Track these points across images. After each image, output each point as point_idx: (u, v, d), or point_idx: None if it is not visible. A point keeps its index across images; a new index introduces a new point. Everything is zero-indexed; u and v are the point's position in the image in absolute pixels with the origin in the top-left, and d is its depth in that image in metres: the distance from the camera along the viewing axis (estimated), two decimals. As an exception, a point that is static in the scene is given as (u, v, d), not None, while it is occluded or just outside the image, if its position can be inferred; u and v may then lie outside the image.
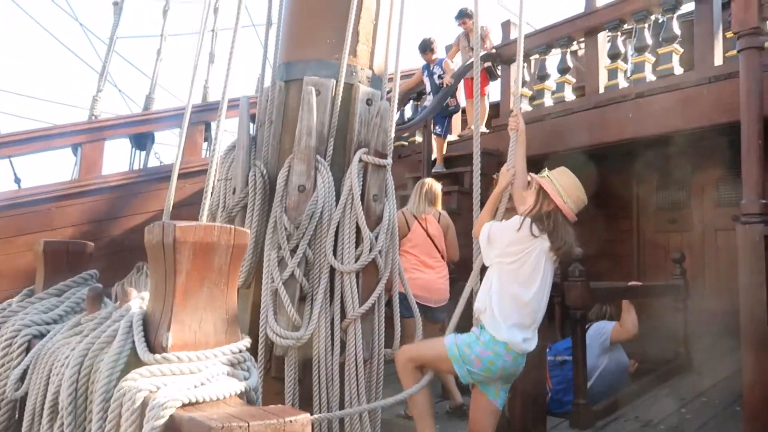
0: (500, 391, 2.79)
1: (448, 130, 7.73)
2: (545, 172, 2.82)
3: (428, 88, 7.85)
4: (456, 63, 7.98)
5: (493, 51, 7.61)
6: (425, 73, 7.87)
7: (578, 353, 4.25)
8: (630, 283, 5.45)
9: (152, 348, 1.64)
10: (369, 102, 3.05)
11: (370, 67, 3.16)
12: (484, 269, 2.88)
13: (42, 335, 2.71)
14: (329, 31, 3.04)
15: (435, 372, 3.00)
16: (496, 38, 7.94)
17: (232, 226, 1.77)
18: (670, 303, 5.54)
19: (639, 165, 7.34)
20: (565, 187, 2.74)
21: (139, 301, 2.09)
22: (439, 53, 7.92)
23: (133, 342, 1.71)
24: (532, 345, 2.72)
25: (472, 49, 7.77)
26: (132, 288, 2.26)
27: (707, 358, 5.55)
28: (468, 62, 7.42)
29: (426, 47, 7.74)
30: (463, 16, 7.88)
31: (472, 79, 7.59)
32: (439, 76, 7.66)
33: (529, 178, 2.87)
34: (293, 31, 3.19)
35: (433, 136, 7.60)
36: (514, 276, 2.68)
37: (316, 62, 3.01)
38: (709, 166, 6.87)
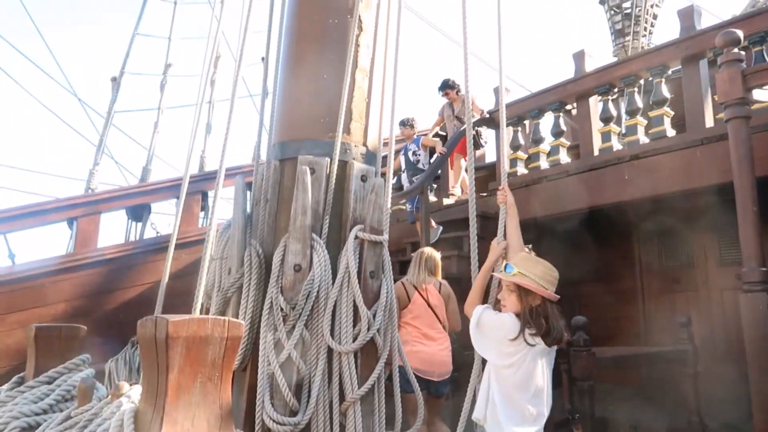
0: None
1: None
2: (513, 269, 2.67)
3: (403, 166, 7.98)
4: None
5: (486, 115, 7.74)
6: (402, 151, 8.04)
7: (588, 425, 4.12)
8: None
9: None
10: (364, 178, 3.06)
11: (364, 144, 3.19)
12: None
13: (31, 427, 2.63)
14: (323, 109, 3.08)
15: None
16: (489, 103, 8.11)
17: (226, 318, 1.75)
18: (679, 368, 5.42)
19: (639, 226, 7.34)
20: (540, 275, 2.63)
21: (131, 396, 2.04)
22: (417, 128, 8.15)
23: None
24: None
25: (457, 118, 8.00)
26: (124, 383, 2.21)
27: (721, 425, 5.38)
28: (461, 129, 7.54)
29: (404, 124, 7.97)
30: (446, 87, 8.12)
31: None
32: (414, 153, 7.84)
33: (500, 279, 2.75)
34: (287, 110, 3.23)
35: (417, 223, 7.40)
36: (512, 379, 2.59)
37: (310, 141, 3.04)
38: (708, 225, 6.86)
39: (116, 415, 1.83)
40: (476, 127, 7.64)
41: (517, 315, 2.63)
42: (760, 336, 3.46)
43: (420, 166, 7.83)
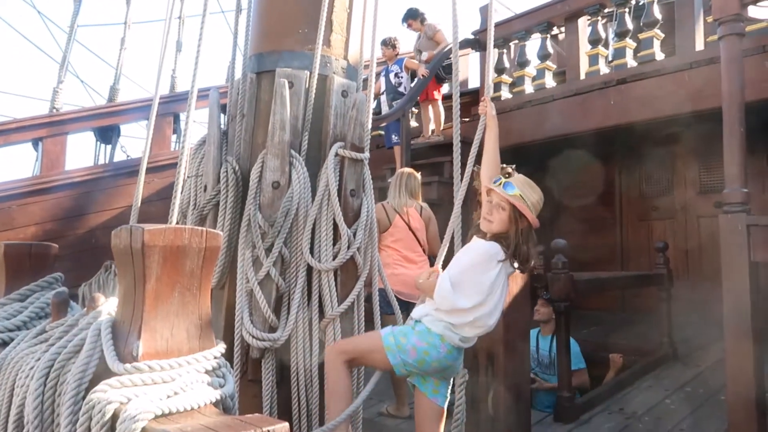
0: (439, 387, 2.64)
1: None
2: (515, 189, 2.52)
3: (383, 87, 7.60)
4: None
5: (473, 37, 7.48)
6: (383, 73, 7.61)
7: (562, 346, 4.20)
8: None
9: (122, 357, 1.56)
10: (344, 94, 2.94)
11: (345, 58, 3.05)
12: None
13: (5, 343, 2.59)
14: (301, 20, 2.92)
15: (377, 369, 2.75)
16: (474, 23, 7.83)
17: (204, 228, 1.69)
18: (654, 292, 5.53)
19: (621, 152, 7.32)
20: (534, 203, 2.52)
21: (107, 307, 1.99)
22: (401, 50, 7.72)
23: (102, 351, 1.63)
24: (469, 342, 2.57)
25: (419, 51, 7.53)
26: (100, 294, 2.16)
27: (691, 348, 5.55)
28: (446, 49, 7.23)
29: (386, 44, 7.48)
30: (408, 17, 7.66)
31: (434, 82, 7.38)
32: (396, 75, 7.45)
33: (492, 192, 2.58)
34: (264, 21, 3.06)
35: (395, 148, 7.19)
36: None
37: (288, 53, 2.89)
38: (690, 152, 6.87)
39: (93, 325, 1.79)
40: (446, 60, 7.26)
41: (500, 237, 2.53)
42: (737, 256, 3.48)
43: (401, 89, 7.47)
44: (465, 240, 2.75)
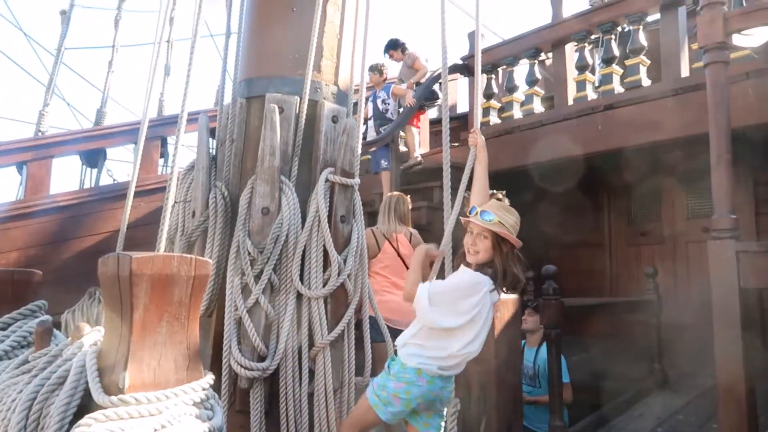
0: (430, 420, 2.60)
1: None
2: (493, 217, 2.50)
3: (370, 113, 7.59)
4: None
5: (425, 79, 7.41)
6: (370, 98, 7.61)
7: (553, 371, 4.16)
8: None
9: (108, 389, 1.52)
10: (335, 119, 2.93)
11: (335, 83, 3.05)
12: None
13: (-14, 373, 2.52)
14: (292, 45, 2.92)
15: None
16: (462, 49, 7.88)
17: (193, 256, 1.66)
18: (644, 318, 5.52)
19: (609, 178, 7.36)
20: (512, 224, 2.51)
21: (92, 337, 1.95)
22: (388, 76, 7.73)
23: (87, 383, 1.59)
24: (453, 370, 2.52)
25: (401, 80, 7.57)
26: (85, 323, 2.11)
27: (681, 375, 5.53)
28: (435, 73, 7.28)
29: (374, 69, 7.48)
30: (389, 48, 7.68)
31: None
32: (383, 101, 7.45)
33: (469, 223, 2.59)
34: (254, 47, 3.06)
35: (382, 174, 7.15)
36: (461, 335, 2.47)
37: (278, 78, 2.89)
38: (677, 177, 6.92)
39: (77, 356, 1.75)
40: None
41: (485, 266, 2.52)
42: (726, 283, 3.48)
43: (389, 115, 7.46)
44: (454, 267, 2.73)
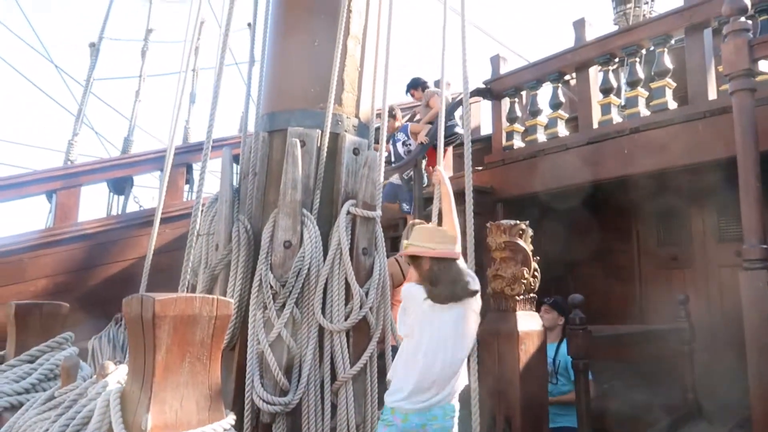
0: None
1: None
2: (405, 244, 2.64)
3: (392, 157, 7.46)
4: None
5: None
6: (390, 143, 7.51)
7: (582, 403, 4.06)
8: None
9: (131, 430, 1.57)
10: (356, 152, 2.95)
11: (356, 116, 3.07)
12: None
13: (13, 407, 2.55)
14: (313, 79, 2.96)
15: None
16: (484, 74, 7.86)
17: (215, 297, 1.68)
18: (676, 347, 5.37)
19: (638, 201, 7.23)
20: (425, 239, 2.56)
21: (116, 375, 1.97)
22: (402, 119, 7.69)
23: (110, 423, 1.63)
24: (418, 403, 2.44)
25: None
26: (110, 361, 2.13)
27: (717, 405, 5.35)
28: (457, 99, 7.27)
29: (389, 115, 7.47)
30: (411, 87, 7.68)
31: (433, 149, 7.33)
32: (403, 143, 7.35)
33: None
34: (276, 80, 3.10)
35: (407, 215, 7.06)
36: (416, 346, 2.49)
37: (300, 112, 2.93)
38: (708, 201, 6.77)
39: (102, 395, 1.77)
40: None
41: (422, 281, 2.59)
42: (759, 314, 3.39)
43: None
44: None
